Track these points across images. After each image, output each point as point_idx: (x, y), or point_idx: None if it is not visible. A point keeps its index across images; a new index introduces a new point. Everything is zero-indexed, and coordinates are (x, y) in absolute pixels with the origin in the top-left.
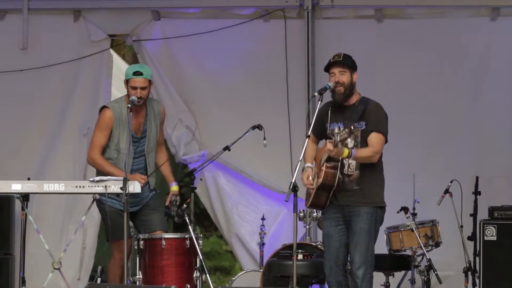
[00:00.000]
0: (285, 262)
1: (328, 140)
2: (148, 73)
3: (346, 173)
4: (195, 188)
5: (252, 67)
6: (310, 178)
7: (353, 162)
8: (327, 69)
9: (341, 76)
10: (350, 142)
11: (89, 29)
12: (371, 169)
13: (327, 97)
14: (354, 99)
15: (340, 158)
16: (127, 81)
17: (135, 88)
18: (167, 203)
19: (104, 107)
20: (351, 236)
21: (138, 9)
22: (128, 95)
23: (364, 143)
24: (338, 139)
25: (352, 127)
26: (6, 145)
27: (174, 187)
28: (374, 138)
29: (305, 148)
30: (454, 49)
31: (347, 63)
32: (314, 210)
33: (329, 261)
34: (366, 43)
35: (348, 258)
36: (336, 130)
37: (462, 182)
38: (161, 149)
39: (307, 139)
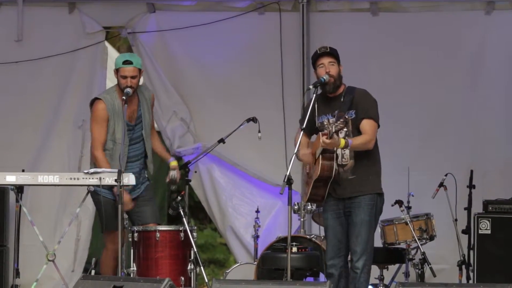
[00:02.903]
0: (279, 255)
1: (321, 133)
2: (138, 62)
3: (340, 163)
4: (190, 180)
5: (247, 59)
6: (307, 154)
7: (346, 152)
8: (314, 61)
9: (331, 66)
10: (341, 133)
11: (84, 21)
12: (366, 157)
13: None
14: (340, 90)
15: (335, 149)
16: (117, 70)
17: (125, 77)
18: (167, 180)
19: (95, 99)
20: (351, 227)
21: (133, 1)
22: (118, 85)
23: (356, 132)
24: (334, 130)
25: (346, 117)
26: (1, 137)
27: (173, 162)
28: (367, 124)
29: (300, 140)
30: (449, 43)
31: (335, 54)
32: (309, 203)
33: (331, 252)
34: (361, 36)
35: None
36: (326, 123)
37: (457, 175)
38: (152, 132)
39: (301, 132)
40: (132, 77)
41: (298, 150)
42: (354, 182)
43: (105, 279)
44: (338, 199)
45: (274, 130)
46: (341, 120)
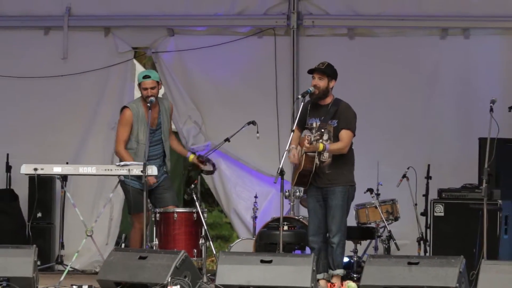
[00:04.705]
0: (273, 232)
1: (306, 135)
2: (155, 76)
3: (321, 160)
4: (202, 171)
5: (248, 74)
6: (295, 156)
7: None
8: (311, 72)
9: (319, 81)
10: (325, 136)
11: (117, 43)
12: (341, 156)
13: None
14: (328, 100)
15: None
16: (139, 84)
17: (145, 89)
18: (201, 167)
19: (124, 107)
20: (328, 210)
21: (157, 27)
22: (142, 96)
23: (336, 138)
24: (313, 139)
25: (323, 130)
26: (50, 136)
27: (191, 156)
28: (344, 134)
29: (290, 140)
30: (412, 62)
31: (326, 71)
32: (297, 190)
33: (312, 230)
34: (340, 56)
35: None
36: (314, 125)
37: (417, 169)
38: (170, 134)
39: (292, 133)
40: (152, 88)
41: (289, 146)
42: (331, 175)
43: (133, 251)
44: (318, 187)
45: (270, 132)
46: (320, 132)
